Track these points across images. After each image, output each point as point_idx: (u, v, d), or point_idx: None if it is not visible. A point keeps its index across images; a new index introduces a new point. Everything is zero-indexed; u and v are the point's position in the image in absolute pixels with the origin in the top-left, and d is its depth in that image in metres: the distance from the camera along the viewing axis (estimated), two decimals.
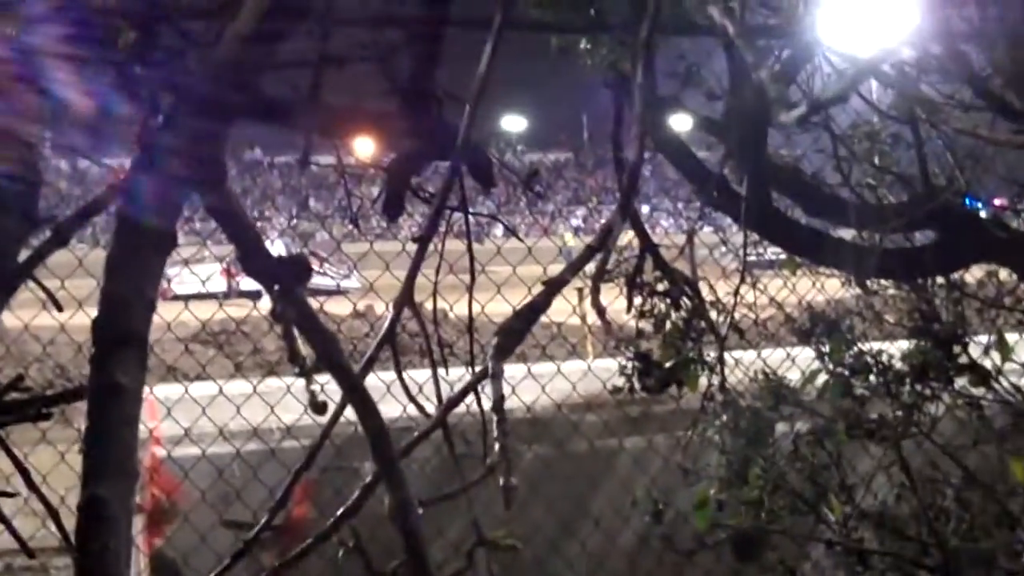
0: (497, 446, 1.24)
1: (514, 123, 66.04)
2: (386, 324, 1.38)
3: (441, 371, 2.04)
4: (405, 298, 1.37)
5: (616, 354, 3.42)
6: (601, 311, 1.59)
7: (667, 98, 3.37)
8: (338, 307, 9.06)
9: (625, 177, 1.43)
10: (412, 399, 1.50)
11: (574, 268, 1.35)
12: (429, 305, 2.20)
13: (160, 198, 1.12)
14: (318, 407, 1.29)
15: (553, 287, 1.30)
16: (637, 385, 3.02)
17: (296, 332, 1.22)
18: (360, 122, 1.29)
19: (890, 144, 3.76)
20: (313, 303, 1.36)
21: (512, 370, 5.93)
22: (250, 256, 1.19)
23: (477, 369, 1.46)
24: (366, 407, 1.21)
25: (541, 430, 4.65)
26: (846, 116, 3.83)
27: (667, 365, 2.93)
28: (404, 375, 1.55)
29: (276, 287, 1.19)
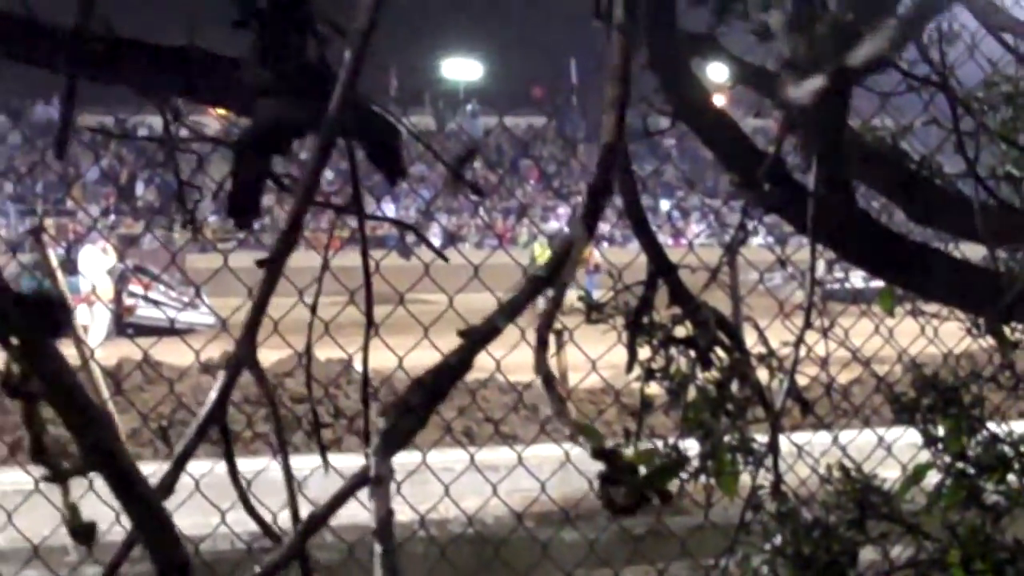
0: None
1: (463, 69, 66.27)
2: (214, 391, 1.34)
3: (335, 458, 1.99)
4: (245, 351, 1.33)
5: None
6: (548, 379, 1.55)
7: (693, 36, 3.36)
8: (175, 352, 8.98)
9: (597, 168, 1.39)
10: (253, 514, 1.46)
11: (511, 309, 1.31)
12: (322, 355, 2.16)
13: None
14: (81, 532, 1.24)
15: (476, 339, 1.26)
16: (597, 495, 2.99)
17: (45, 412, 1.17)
18: (191, 70, 1.24)
19: None
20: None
21: (448, 457, 5.88)
22: None
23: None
24: (163, 535, 1.17)
25: (491, 554, 4.61)
26: (974, 68, 3.83)
27: (644, 471, 2.89)
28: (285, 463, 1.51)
29: (14, 341, 1.14)
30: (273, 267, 1.28)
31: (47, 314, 1.17)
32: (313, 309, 1.60)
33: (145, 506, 1.17)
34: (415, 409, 1.26)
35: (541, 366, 1.53)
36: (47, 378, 1.15)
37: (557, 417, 1.67)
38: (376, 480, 1.21)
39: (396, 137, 1.29)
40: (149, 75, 1.33)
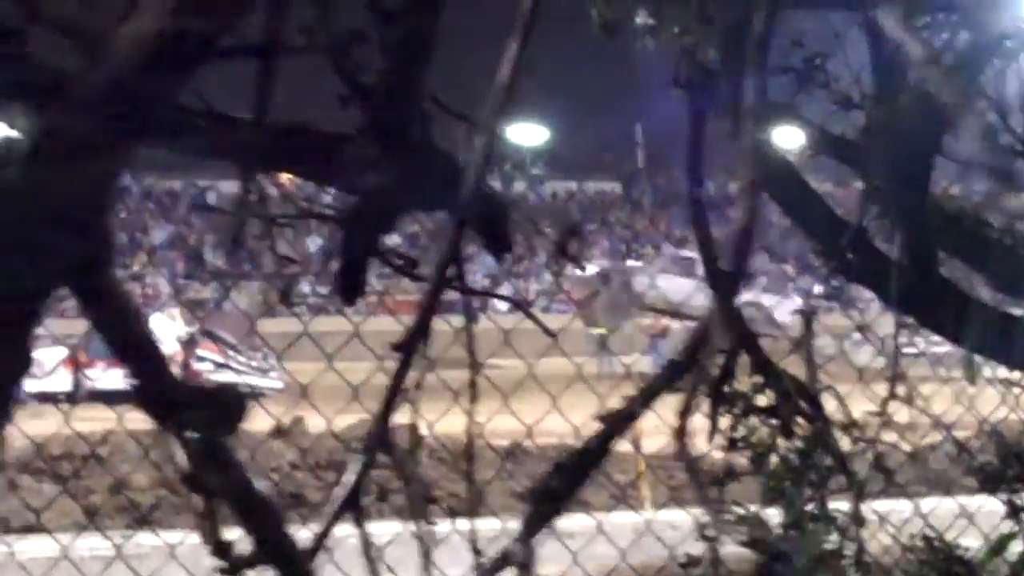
0: None
1: (529, 135, 66.32)
2: (352, 476, 1.35)
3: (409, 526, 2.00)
4: (379, 436, 1.34)
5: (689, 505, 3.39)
6: (693, 466, 1.55)
7: (774, 105, 3.37)
8: (250, 418, 8.96)
9: (731, 252, 1.40)
10: None
11: (647, 395, 1.32)
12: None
13: None
14: None
15: (614, 425, 1.27)
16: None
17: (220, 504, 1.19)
18: (300, 147, 1.26)
19: None
20: None
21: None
22: (148, 381, 1.16)
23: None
24: None
25: None
26: None
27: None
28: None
29: (188, 434, 1.16)
30: (407, 350, 1.29)
31: (226, 410, 1.19)
32: (419, 383, 1.61)
33: None
34: (556, 493, 1.27)
35: (683, 454, 1.53)
36: (223, 472, 1.16)
37: (700, 502, 1.66)
38: (521, 566, 1.22)
39: (506, 216, 1.30)
40: (254, 151, 1.35)
